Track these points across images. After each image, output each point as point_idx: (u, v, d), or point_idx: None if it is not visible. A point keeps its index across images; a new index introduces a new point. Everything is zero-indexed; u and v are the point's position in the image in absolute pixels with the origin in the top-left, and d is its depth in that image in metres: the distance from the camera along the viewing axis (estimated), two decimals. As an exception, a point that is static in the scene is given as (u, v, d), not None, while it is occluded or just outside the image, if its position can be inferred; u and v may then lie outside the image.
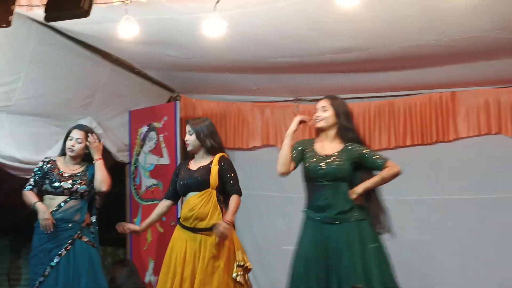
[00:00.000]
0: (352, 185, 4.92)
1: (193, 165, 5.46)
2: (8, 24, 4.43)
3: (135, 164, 7.76)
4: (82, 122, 6.86)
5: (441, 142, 7.23)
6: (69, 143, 5.63)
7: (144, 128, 7.67)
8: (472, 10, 5.12)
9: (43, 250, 5.46)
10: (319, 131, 5.11)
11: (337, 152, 4.97)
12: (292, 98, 7.96)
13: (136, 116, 7.72)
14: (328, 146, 5.02)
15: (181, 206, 5.59)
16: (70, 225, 5.48)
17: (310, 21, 5.48)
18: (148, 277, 7.46)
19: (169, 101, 8.02)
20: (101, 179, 5.55)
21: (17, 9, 4.64)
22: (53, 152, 6.37)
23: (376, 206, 5.04)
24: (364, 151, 4.99)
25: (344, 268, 4.77)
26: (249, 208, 7.29)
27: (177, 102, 7.67)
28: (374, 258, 4.82)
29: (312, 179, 4.99)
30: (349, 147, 4.97)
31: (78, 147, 5.62)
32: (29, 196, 5.55)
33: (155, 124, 7.57)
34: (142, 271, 7.47)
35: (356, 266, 4.75)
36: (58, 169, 5.61)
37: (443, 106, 7.24)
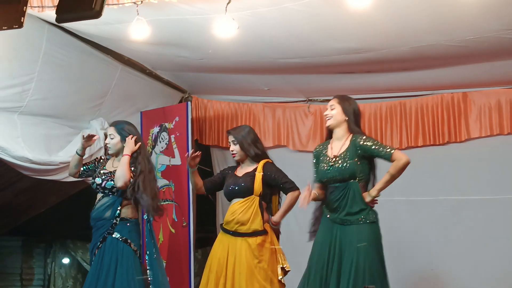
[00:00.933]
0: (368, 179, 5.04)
1: (239, 172, 5.56)
2: (20, 25, 4.45)
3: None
4: (94, 123, 6.90)
5: (453, 142, 7.19)
6: (107, 141, 5.81)
7: (156, 129, 7.69)
8: (483, 11, 5.10)
9: (90, 250, 5.69)
10: (329, 131, 5.21)
11: (344, 151, 5.05)
12: (304, 99, 7.95)
13: (147, 116, 7.73)
14: (337, 146, 5.12)
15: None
16: (100, 223, 5.57)
17: (321, 22, 5.48)
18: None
19: (180, 101, 8.04)
20: (118, 174, 5.54)
21: (29, 11, 4.66)
22: (65, 153, 6.41)
23: None
24: (368, 143, 4.99)
25: (344, 271, 4.85)
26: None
27: (189, 102, 7.68)
28: (359, 257, 4.83)
29: (325, 182, 5.13)
30: (354, 142, 5.03)
31: (112, 142, 5.73)
32: None
33: (167, 124, 7.58)
34: (154, 272, 7.48)
35: (351, 269, 4.81)
36: (103, 166, 5.76)
37: (455, 106, 7.21)
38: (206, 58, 6.52)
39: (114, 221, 5.55)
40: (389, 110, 7.54)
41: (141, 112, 7.72)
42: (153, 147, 7.68)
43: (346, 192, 4.97)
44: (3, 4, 4.42)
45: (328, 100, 7.34)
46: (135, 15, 5.17)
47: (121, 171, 5.53)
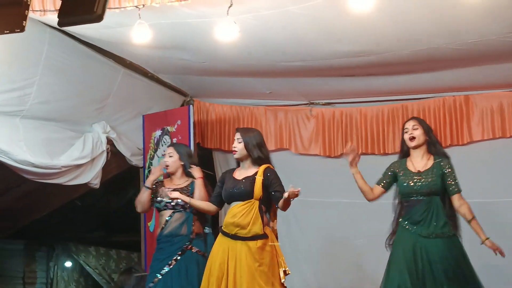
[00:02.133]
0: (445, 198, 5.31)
1: (238, 175, 5.49)
2: (22, 29, 4.44)
3: (149, 168, 7.77)
4: (96, 126, 6.90)
5: (455, 145, 7.19)
6: (164, 160, 5.97)
7: (158, 132, 7.69)
8: (485, 14, 5.10)
9: (155, 260, 5.81)
10: (411, 149, 5.43)
11: (429, 167, 5.32)
12: (306, 102, 7.95)
13: (149, 120, 7.74)
14: (420, 163, 5.36)
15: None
16: (177, 239, 5.73)
17: (323, 25, 5.48)
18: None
19: (182, 105, 8.04)
20: (198, 197, 5.74)
21: (30, 14, 4.65)
22: (67, 157, 6.42)
23: None
24: (447, 171, 5.33)
25: (437, 280, 5.10)
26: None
27: (191, 106, 7.68)
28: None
29: (407, 195, 5.32)
30: (440, 163, 5.34)
31: (171, 160, 5.88)
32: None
33: (169, 128, 7.58)
34: (156, 275, 7.47)
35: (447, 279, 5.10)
36: (164, 185, 5.90)
37: (457, 109, 7.21)
38: (208, 61, 6.53)
39: (192, 236, 5.77)
40: (391, 113, 7.53)
41: (143, 115, 7.73)
42: (155, 151, 7.69)
43: (429, 205, 5.25)
44: (4, 8, 4.42)
45: (330, 103, 7.37)
46: (137, 18, 5.18)
47: (199, 195, 5.75)
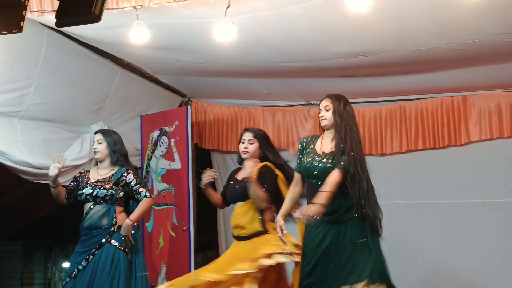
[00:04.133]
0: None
1: (240, 174, 5.52)
2: (19, 29, 4.45)
3: (146, 168, 7.78)
4: (94, 127, 6.90)
5: (453, 146, 7.19)
6: (93, 146, 5.76)
7: (156, 133, 7.69)
8: (483, 15, 5.11)
9: (75, 253, 5.62)
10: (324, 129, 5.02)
11: (333, 150, 4.87)
12: (303, 102, 7.95)
13: (147, 121, 7.74)
14: (327, 144, 4.94)
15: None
16: (96, 232, 5.55)
17: (320, 25, 5.48)
18: (161, 281, 7.46)
19: (180, 105, 8.04)
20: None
21: (28, 15, 4.66)
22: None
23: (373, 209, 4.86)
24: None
25: (335, 268, 4.74)
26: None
27: (188, 106, 7.69)
28: (362, 253, 4.73)
29: (307, 177, 4.94)
30: (342, 146, 4.81)
31: (100, 148, 5.70)
32: None
33: (167, 128, 7.58)
34: (154, 275, 7.48)
35: (345, 265, 4.72)
36: (88, 177, 5.72)
37: (455, 110, 7.20)
38: (206, 62, 6.52)
39: (112, 229, 5.55)
40: (389, 114, 7.53)
41: (141, 116, 7.73)
42: (153, 151, 7.69)
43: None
44: (2, 8, 4.42)
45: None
46: (134, 19, 5.18)
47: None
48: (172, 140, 7.52)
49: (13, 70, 5.86)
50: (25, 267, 10.67)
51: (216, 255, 7.00)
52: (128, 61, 6.96)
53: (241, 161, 5.61)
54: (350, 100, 7.73)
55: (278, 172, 5.40)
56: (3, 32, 4.48)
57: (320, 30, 5.61)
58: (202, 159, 8.19)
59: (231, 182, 5.56)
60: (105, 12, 4.39)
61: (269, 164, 5.43)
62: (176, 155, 7.49)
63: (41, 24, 5.83)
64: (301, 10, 5.14)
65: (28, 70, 5.98)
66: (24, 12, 4.43)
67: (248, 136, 5.52)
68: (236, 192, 5.43)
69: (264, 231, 5.28)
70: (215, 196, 5.70)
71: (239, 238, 5.36)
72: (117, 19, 5.34)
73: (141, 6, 5.02)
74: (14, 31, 4.46)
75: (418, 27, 5.43)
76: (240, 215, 5.35)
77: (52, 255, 11.17)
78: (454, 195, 7.15)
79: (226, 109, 8.15)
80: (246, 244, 5.27)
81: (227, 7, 4.97)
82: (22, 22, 4.43)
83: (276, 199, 5.34)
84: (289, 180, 5.27)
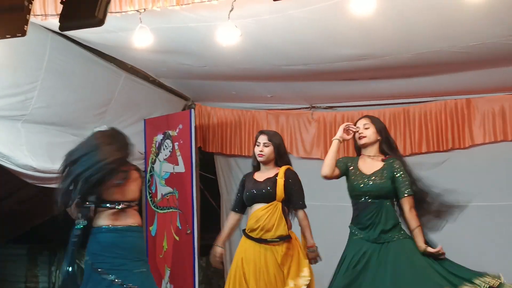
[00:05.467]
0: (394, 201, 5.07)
1: (259, 176, 5.53)
2: (23, 33, 4.45)
3: (150, 172, 7.78)
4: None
5: (457, 149, 7.19)
6: None
7: (159, 137, 7.69)
8: (486, 17, 5.10)
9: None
10: (361, 148, 5.24)
11: (379, 169, 5.09)
12: (307, 106, 7.95)
13: (151, 124, 7.74)
14: (370, 164, 5.14)
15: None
16: None
17: (324, 28, 5.48)
18: (164, 285, 7.46)
19: (184, 109, 8.05)
20: None
21: (32, 19, 4.66)
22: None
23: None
24: (398, 174, 5.06)
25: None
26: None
27: (192, 110, 7.68)
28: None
29: (356, 196, 5.11)
30: (390, 163, 5.09)
31: None
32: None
33: (170, 132, 7.58)
34: (158, 280, 7.48)
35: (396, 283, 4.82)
36: None
37: (459, 112, 7.21)
38: (209, 65, 6.53)
39: None
40: (393, 117, 7.53)
41: (144, 119, 7.74)
42: (157, 155, 7.69)
43: (379, 209, 5.02)
44: (6, 12, 4.43)
45: (331, 107, 7.36)
46: (138, 23, 5.19)
47: None
48: (176, 143, 7.52)
49: (16, 74, 5.87)
50: (29, 271, 10.64)
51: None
52: (131, 64, 6.97)
53: (257, 164, 5.62)
54: (354, 103, 7.76)
55: None
56: (7, 36, 4.48)
57: (324, 33, 5.61)
58: (206, 163, 8.20)
59: (250, 185, 5.54)
60: (108, 15, 4.40)
61: (291, 167, 5.48)
62: (179, 159, 7.48)
63: (45, 28, 5.83)
64: (305, 13, 5.14)
65: (32, 74, 5.99)
66: (27, 16, 4.43)
67: (263, 139, 5.54)
68: (259, 193, 5.43)
69: (288, 236, 5.33)
70: (230, 233, 5.80)
71: (261, 241, 5.35)
72: (120, 23, 5.34)
73: (145, 9, 5.02)
74: (17, 35, 4.46)
75: (422, 30, 5.42)
76: (264, 217, 5.35)
77: (56, 259, 11.14)
78: (457, 198, 7.12)
79: (229, 112, 8.16)
80: (268, 258, 5.29)
81: (230, 11, 4.97)
82: (25, 26, 4.43)
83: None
84: None
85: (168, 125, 7.61)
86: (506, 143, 7.02)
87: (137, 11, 5.05)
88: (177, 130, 7.52)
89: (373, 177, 5.05)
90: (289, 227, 5.44)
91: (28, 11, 4.42)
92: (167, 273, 7.47)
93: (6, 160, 5.89)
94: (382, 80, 6.88)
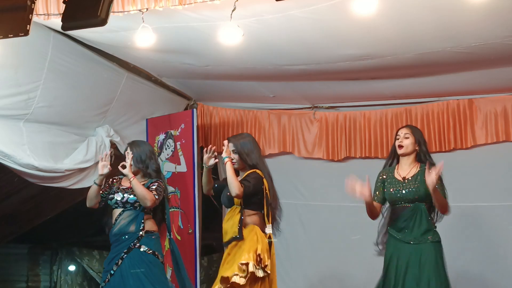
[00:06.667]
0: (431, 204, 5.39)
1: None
2: (26, 33, 4.46)
3: (152, 171, 7.77)
4: (100, 130, 6.91)
5: (459, 149, 7.18)
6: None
7: (161, 136, 7.69)
8: (489, 17, 5.09)
9: (107, 260, 5.76)
10: (401, 156, 5.56)
11: (413, 175, 5.42)
12: (309, 106, 7.95)
13: (153, 124, 7.74)
14: (406, 171, 5.47)
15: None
16: (126, 237, 5.66)
17: (326, 28, 5.48)
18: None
19: (186, 109, 8.04)
20: (141, 196, 5.64)
21: (34, 18, 4.67)
22: (71, 160, 6.42)
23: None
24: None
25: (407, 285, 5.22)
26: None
27: (194, 109, 7.69)
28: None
29: (394, 202, 5.47)
30: (425, 169, 5.30)
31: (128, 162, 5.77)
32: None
33: (172, 132, 7.59)
34: (160, 279, 7.48)
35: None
36: (120, 183, 5.85)
37: (461, 113, 7.20)
38: (212, 65, 6.52)
39: (140, 233, 5.68)
40: (395, 117, 7.53)
41: (146, 119, 7.74)
42: (159, 154, 7.69)
43: (414, 212, 5.36)
44: (9, 12, 4.44)
45: (334, 107, 7.36)
46: (140, 22, 5.18)
47: (140, 193, 5.64)
48: (178, 143, 7.52)
49: (19, 73, 5.87)
50: (31, 270, 10.68)
51: (221, 258, 6.98)
52: (134, 64, 6.97)
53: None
54: (356, 103, 7.76)
55: (264, 180, 5.49)
56: (10, 36, 4.49)
57: (326, 33, 5.61)
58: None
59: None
60: (111, 15, 4.41)
61: (258, 171, 5.47)
62: (182, 158, 7.49)
63: (47, 27, 5.83)
64: (307, 13, 5.14)
65: (34, 73, 5.99)
66: (30, 15, 4.44)
67: (230, 146, 5.59)
68: (225, 198, 5.57)
69: (236, 237, 5.39)
70: (210, 181, 5.76)
71: (225, 244, 5.51)
72: (123, 22, 5.34)
73: (147, 9, 5.01)
74: (20, 34, 4.47)
75: (424, 30, 5.42)
76: (226, 220, 5.52)
77: (57, 258, 11.16)
78: (460, 199, 7.11)
79: (231, 112, 8.15)
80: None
81: (233, 10, 4.97)
82: (28, 26, 4.44)
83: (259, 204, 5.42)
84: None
85: (170, 125, 7.61)
86: (509, 144, 7.01)
87: (140, 10, 5.04)
88: (179, 129, 7.53)
89: (409, 183, 5.38)
90: (249, 223, 5.43)
91: (31, 11, 4.44)
92: (169, 272, 7.46)
93: (8, 159, 5.90)
94: (384, 80, 6.88)
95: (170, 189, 7.55)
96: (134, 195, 5.67)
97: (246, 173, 5.50)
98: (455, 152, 7.23)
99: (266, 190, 5.43)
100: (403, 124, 7.43)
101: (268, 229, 5.42)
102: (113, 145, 7.08)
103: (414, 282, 5.20)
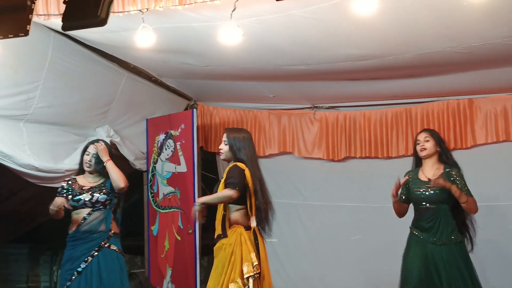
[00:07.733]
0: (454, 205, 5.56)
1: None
2: (26, 33, 4.45)
3: (152, 172, 7.78)
4: (100, 130, 6.90)
5: (459, 149, 7.18)
6: (86, 158, 5.77)
7: (162, 136, 7.69)
8: (489, 17, 5.09)
9: (70, 258, 5.67)
10: (422, 159, 5.75)
11: (438, 176, 5.56)
12: (309, 106, 7.96)
13: (153, 124, 7.74)
14: (429, 172, 5.65)
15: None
16: (95, 235, 5.63)
17: (326, 29, 5.47)
18: (166, 284, 7.47)
19: (186, 109, 8.05)
20: (116, 177, 5.64)
21: (35, 18, 4.66)
22: (71, 160, 6.42)
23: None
24: (456, 180, 5.57)
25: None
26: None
27: (194, 110, 7.69)
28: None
29: (418, 203, 5.63)
30: (449, 172, 5.59)
31: (94, 161, 5.75)
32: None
33: (172, 132, 7.59)
34: (160, 279, 7.49)
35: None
36: (79, 184, 5.75)
37: (461, 112, 7.21)
38: (212, 65, 6.52)
39: (110, 233, 5.67)
40: (395, 117, 7.54)
41: (146, 119, 7.74)
42: (159, 155, 7.69)
43: (437, 213, 5.52)
44: (9, 12, 4.43)
45: (333, 107, 7.36)
46: (140, 22, 5.18)
47: (117, 174, 5.65)
48: (178, 143, 7.52)
49: (19, 73, 5.87)
50: (31, 270, 10.64)
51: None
52: (134, 64, 6.97)
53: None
54: (356, 103, 7.77)
55: (247, 172, 5.35)
56: (10, 36, 4.48)
57: (326, 33, 5.61)
58: (208, 163, 8.20)
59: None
60: (111, 15, 4.40)
61: (239, 164, 5.38)
62: (182, 159, 7.49)
63: (47, 27, 5.83)
64: (307, 13, 5.14)
65: (34, 73, 5.99)
66: (30, 15, 4.43)
67: (224, 136, 5.55)
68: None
69: (220, 235, 5.39)
70: None
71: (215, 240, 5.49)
72: (123, 23, 5.34)
73: (147, 9, 5.01)
74: (20, 34, 4.47)
75: (424, 30, 5.42)
76: (216, 217, 5.47)
77: (57, 259, 11.13)
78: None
79: (232, 112, 8.16)
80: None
81: (233, 10, 4.97)
82: (28, 26, 4.43)
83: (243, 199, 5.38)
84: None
85: (170, 125, 7.61)
86: (508, 143, 7.02)
87: (140, 10, 5.04)
88: (179, 129, 7.53)
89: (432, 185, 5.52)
90: (234, 222, 5.41)
91: (31, 11, 4.43)
92: (169, 272, 7.47)
93: (8, 159, 5.90)
94: (384, 80, 6.88)
95: (170, 189, 7.55)
96: (104, 193, 5.65)
97: (228, 167, 5.42)
98: (455, 152, 7.17)
99: (249, 183, 5.34)
100: (403, 124, 7.46)
101: (253, 222, 5.35)
102: (113, 145, 7.07)
103: (445, 281, 5.36)
